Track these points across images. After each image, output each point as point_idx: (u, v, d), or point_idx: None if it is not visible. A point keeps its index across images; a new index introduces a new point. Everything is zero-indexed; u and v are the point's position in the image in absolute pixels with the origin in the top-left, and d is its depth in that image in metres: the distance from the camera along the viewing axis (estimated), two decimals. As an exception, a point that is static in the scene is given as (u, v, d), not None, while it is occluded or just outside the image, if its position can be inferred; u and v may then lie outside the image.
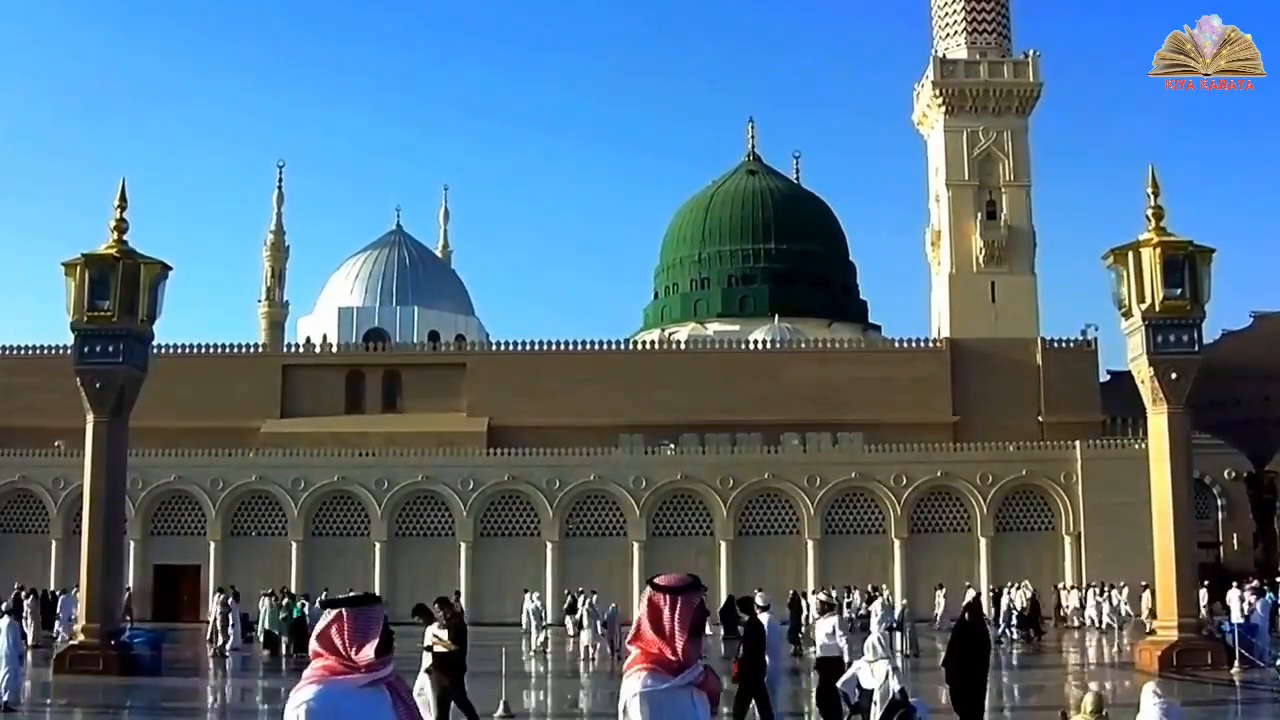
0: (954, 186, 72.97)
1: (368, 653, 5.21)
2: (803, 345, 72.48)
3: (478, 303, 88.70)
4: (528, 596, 48.29)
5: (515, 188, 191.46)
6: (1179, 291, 31.90)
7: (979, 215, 72.14)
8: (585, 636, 39.41)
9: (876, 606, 42.90)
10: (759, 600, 22.22)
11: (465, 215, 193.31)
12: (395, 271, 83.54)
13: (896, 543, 58.95)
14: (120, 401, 31.83)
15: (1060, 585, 55.83)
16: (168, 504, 59.80)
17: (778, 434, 63.20)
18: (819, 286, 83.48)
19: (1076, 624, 52.35)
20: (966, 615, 19.62)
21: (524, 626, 47.84)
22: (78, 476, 36.29)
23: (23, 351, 68.16)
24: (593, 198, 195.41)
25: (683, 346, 74.47)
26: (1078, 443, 59.85)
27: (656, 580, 5.56)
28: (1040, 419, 67.55)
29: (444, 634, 19.42)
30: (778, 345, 72.30)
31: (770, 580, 52.55)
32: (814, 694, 20.67)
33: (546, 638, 43.77)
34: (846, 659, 19.28)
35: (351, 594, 5.66)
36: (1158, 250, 31.90)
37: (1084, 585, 54.82)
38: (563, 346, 69.92)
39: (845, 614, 51.61)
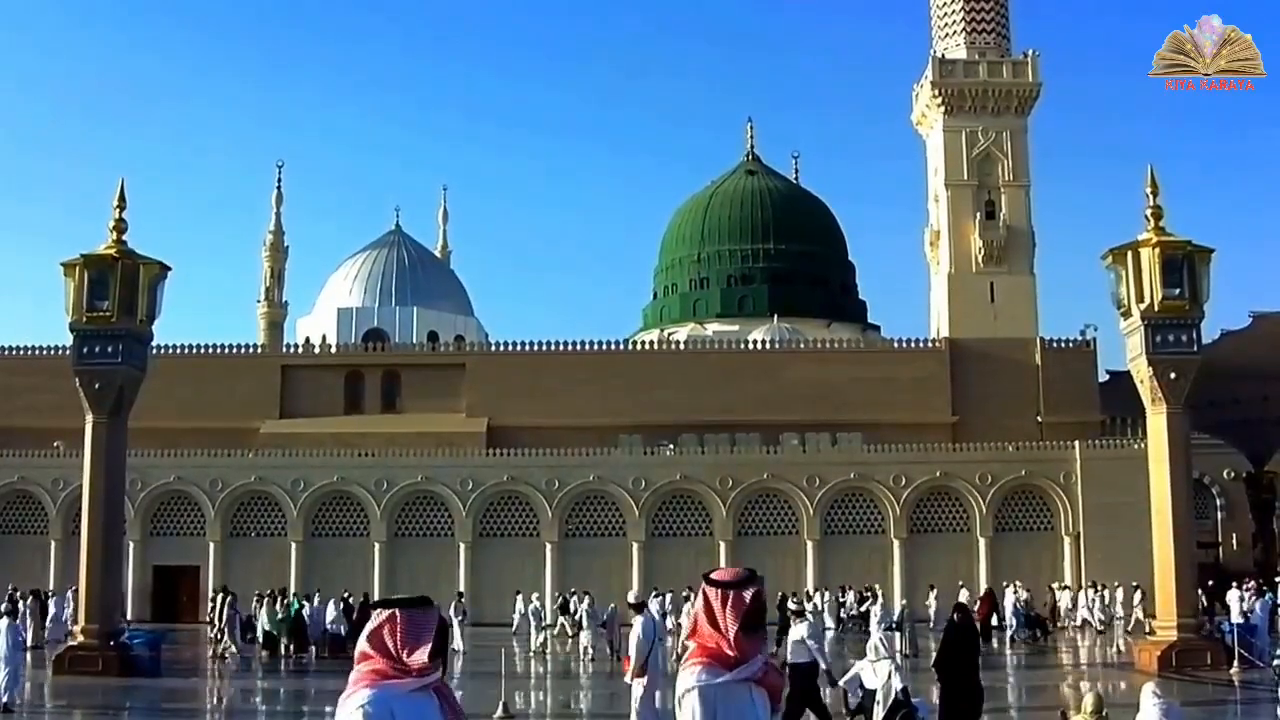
0: (953, 186, 72.97)
1: (420, 656, 5.12)
2: (802, 345, 72.49)
3: (477, 303, 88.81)
4: (519, 597, 48.37)
5: (514, 188, 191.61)
6: (1178, 291, 31.91)
7: (978, 215, 72.15)
8: (585, 637, 39.43)
9: (876, 608, 42.98)
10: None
11: (464, 215, 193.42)
12: (394, 272, 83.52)
13: (896, 543, 58.95)
14: (119, 402, 31.83)
15: (1053, 585, 55.81)
16: (167, 504, 59.79)
17: (777, 434, 63.22)
18: (818, 286, 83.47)
19: (1067, 624, 52.34)
20: (956, 616, 19.64)
21: (514, 627, 47.95)
22: (77, 477, 36.27)
23: (22, 352, 68.14)
24: (592, 198, 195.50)
25: (682, 347, 74.44)
26: (1077, 443, 59.85)
27: (711, 574, 5.52)
28: (1039, 419, 67.55)
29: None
30: (777, 345, 72.30)
31: (770, 581, 52.46)
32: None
33: (546, 638, 43.79)
34: (823, 665, 19.21)
35: (402, 595, 5.59)
36: (1157, 250, 31.91)
37: (1076, 586, 54.83)
38: (562, 347, 69.92)
39: (840, 614, 52.02)
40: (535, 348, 70.08)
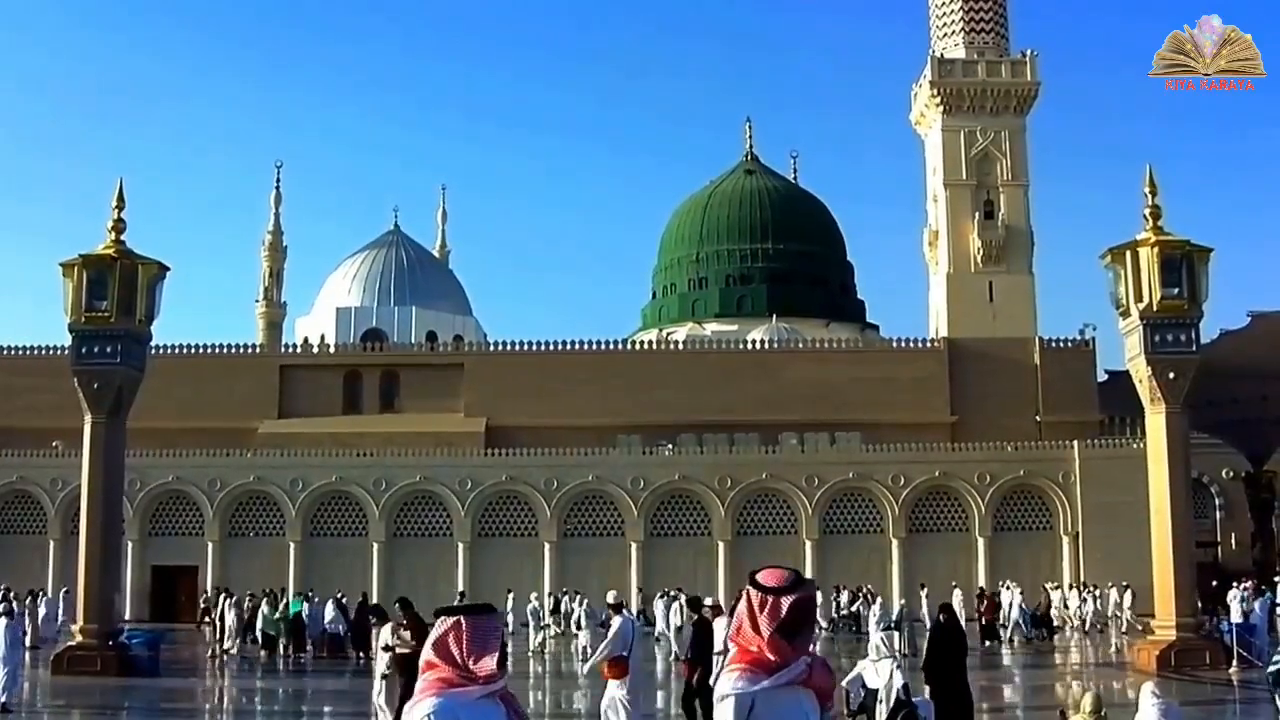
0: (952, 186, 73.01)
1: (488, 663, 5.03)
2: (800, 345, 72.48)
3: (475, 303, 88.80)
4: (510, 596, 48.45)
5: (513, 188, 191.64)
6: (1176, 291, 31.89)
7: (977, 215, 72.19)
8: (583, 637, 39.39)
9: (875, 608, 42.92)
10: (709, 601, 22.17)
11: (463, 215, 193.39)
12: (393, 272, 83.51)
13: (894, 542, 58.97)
14: (118, 402, 31.81)
15: (1045, 585, 55.74)
16: (165, 504, 59.78)
17: (776, 434, 63.26)
18: (817, 286, 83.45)
19: (1059, 624, 52.24)
20: (942, 617, 19.65)
21: (508, 626, 47.89)
22: (75, 477, 36.25)
23: (20, 352, 68.13)
24: (590, 198, 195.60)
25: (680, 347, 74.44)
26: (1076, 442, 59.88)
27: (756, 575, 5.30)
28: (1038, 419, 67.57)
29: (406, 634, 19.29)
30: (775, 345, 72.30)
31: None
32: None
33: (545, 638, 43.75)
34: None
35: (466, 602, 5.47)
36: (1155, 250, 31.90)
37: (1068, 586, 54.79)
38: (560, 347, 69.93)
39: (833, 614, 51.97)
40: (534, 348, 70.07)
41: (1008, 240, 71.99)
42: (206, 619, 52.25)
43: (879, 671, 18.28)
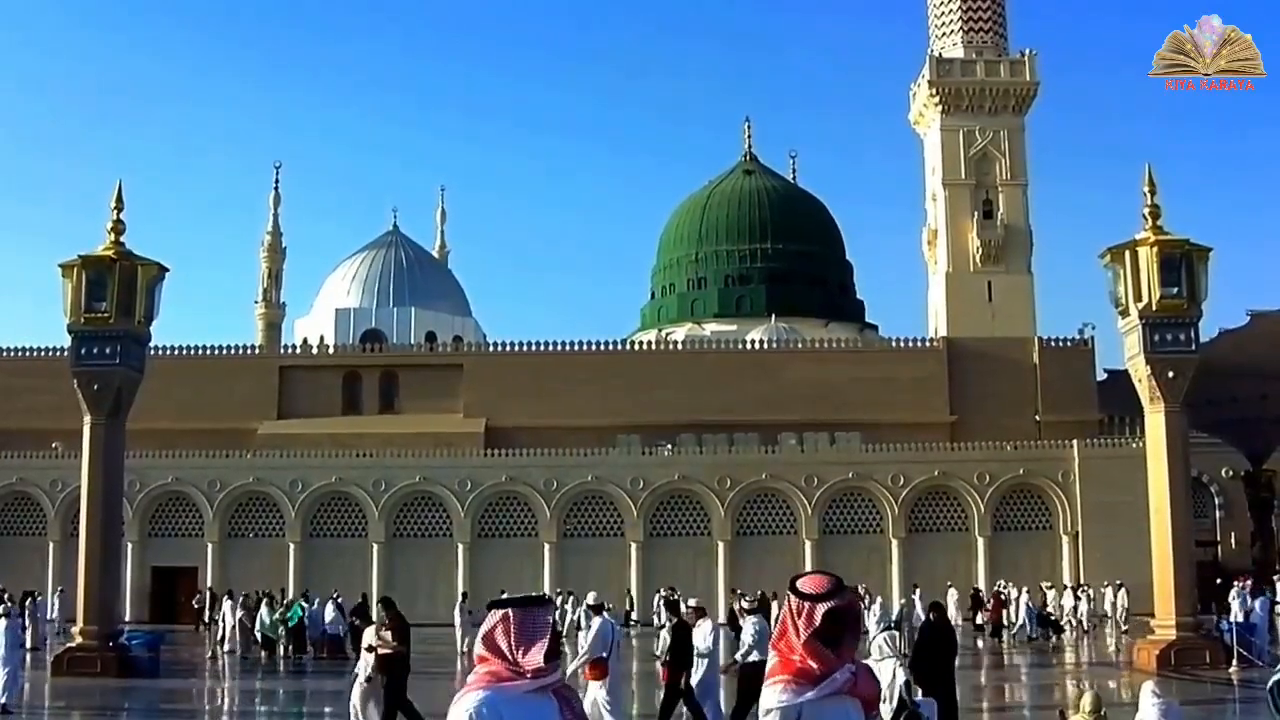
0: (950, 186, 73.06)
1: (535, 657, 4.91)
2: (800, 345, 72.48)
3: (475, 303, 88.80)
4: (503, 597, 48.36)
5: (512, 188, 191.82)
6: (1176, 290, 31.88)
7: (976, 214, 72.24)
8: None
9: (875, 608, 42.95)
10: (692, 603, 22.15)
11: (462, 216, 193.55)
12: (392, 272, 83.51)
13: (894, 542, 58.95)
14: (117, 403, 31.79)
15: (1041, 585, 55.73)
16: (165, 505, 59.77)
17: (775, 434, 63.28)
18: (816, 286, 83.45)
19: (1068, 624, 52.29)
20: (931, 616, 19.64)
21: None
22: (75, 478, 36.23)
23: (20, 353, 68.17)
24: (589, 198, 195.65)
25: (680, 347, 74.46)
26: (1075, 442, 59.88)
27: (797, 581, 5.27)
28: (1038, 418, 67.60)
29: (387, 635, 19.23)
30: (775, 345, 72.30)
31: (768, 581, 52.46)
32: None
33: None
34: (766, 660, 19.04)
35: (520, 595, 5.30)
36: (1154, 249, 31.89)
37: (1061, 586, 54.78)
38: (560, 347, 69.93)
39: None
40: (533, 348, 70.08)
41: (1007, 240, 72.05)
42: (200, 622, 52.37)
43: (882, 671, 18.25)
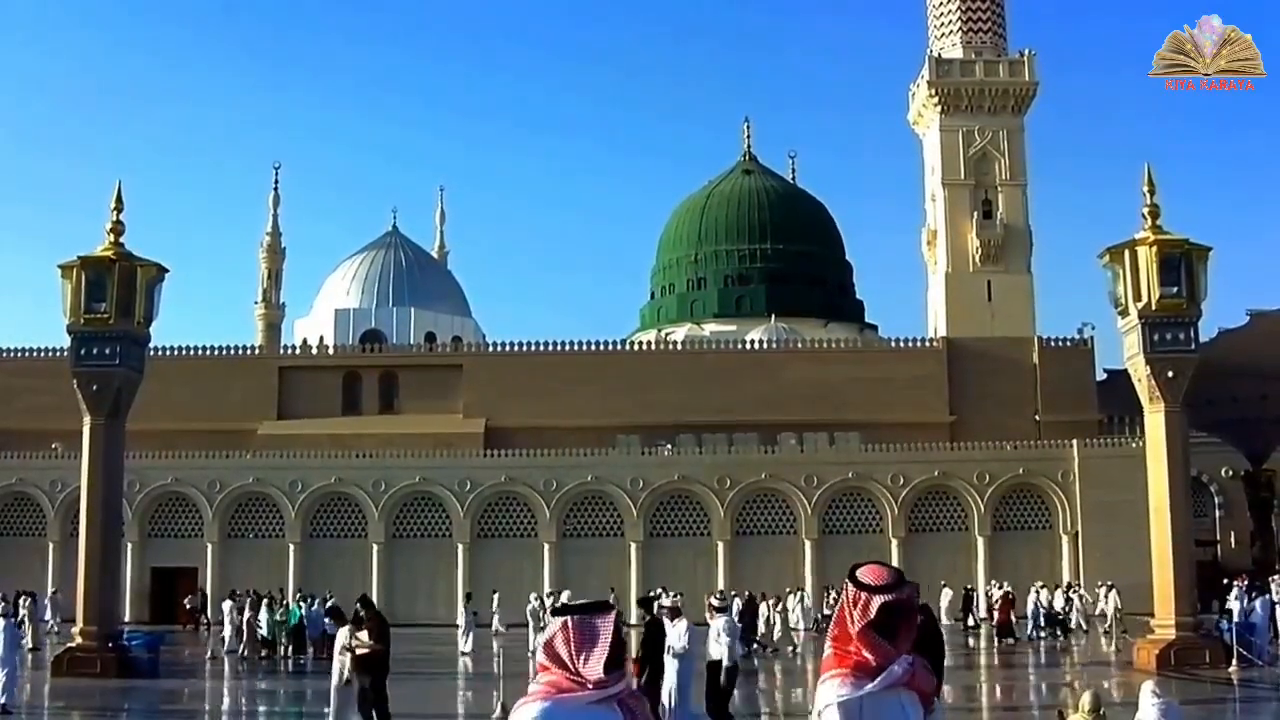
0: (950, 185, 73.09)
1: (595, 666, 4.68)
2: (799, 345, 72.46)
3: (474, 304, 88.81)
4: (495, 597, 48.52)
5: (511, 188, 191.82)
6: (1175, 290, 31.90)
7: (975, 214, 72.27)
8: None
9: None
10: (666, 602, 22.15)
11: (461, 216, 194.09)
12: (391, 273, 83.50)
13: (894, 542, 58.87)
14: (117, 404, 31.80)
15: (1034, 585, 55.59)
16: (165, 506, 59.74)
17: (775, 434, 63.28)
18: (815, 286, 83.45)
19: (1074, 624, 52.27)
20: (920, 618, 19.55)
21: (491, 627, 47.92)
22: (75, 479, 36.22)
23: (19, 354, 68.15)
24: (589, 198, 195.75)
25: (679, 347, 74.45)
26: (1075, 441, 59.84)
27: (857, 570, 5.11)
28: (1037, 418, 67.59)
29: (364, 635, 19.15)
30: (774, 345, 72.28)
31: (767, 581, 52.58)
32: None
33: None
34: (727, 662, 19.07)
35: (583, 600, 5.05)
36: (1154, 249, 31.90)
37: (1053, 586, 54.74)
38: (559, 347, 69.91)
39: (817, 615, 52.04)
40: (533, 348, 70.06)
41: (1006, 240, 72.09)
42: (192, 623, 52.39)
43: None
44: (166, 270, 33.05)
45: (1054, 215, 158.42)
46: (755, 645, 39.73)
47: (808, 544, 58.96)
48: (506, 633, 45.53)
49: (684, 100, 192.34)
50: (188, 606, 53.45)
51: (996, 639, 44.32)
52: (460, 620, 44.40)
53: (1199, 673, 29.32)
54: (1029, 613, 46.76)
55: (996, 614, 46.36)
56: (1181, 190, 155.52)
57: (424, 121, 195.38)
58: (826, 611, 52.80)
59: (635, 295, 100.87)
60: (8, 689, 23.45)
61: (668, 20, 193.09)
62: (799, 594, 52.35)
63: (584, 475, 59.43)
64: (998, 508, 59.64)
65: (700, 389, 66.54)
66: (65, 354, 33.90)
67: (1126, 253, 32.31)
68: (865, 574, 5.04)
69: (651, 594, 29.73)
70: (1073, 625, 48.80)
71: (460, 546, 58.78)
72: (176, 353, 66.35)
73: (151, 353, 35.93)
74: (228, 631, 41.01)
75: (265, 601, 40.96)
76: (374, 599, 50.98)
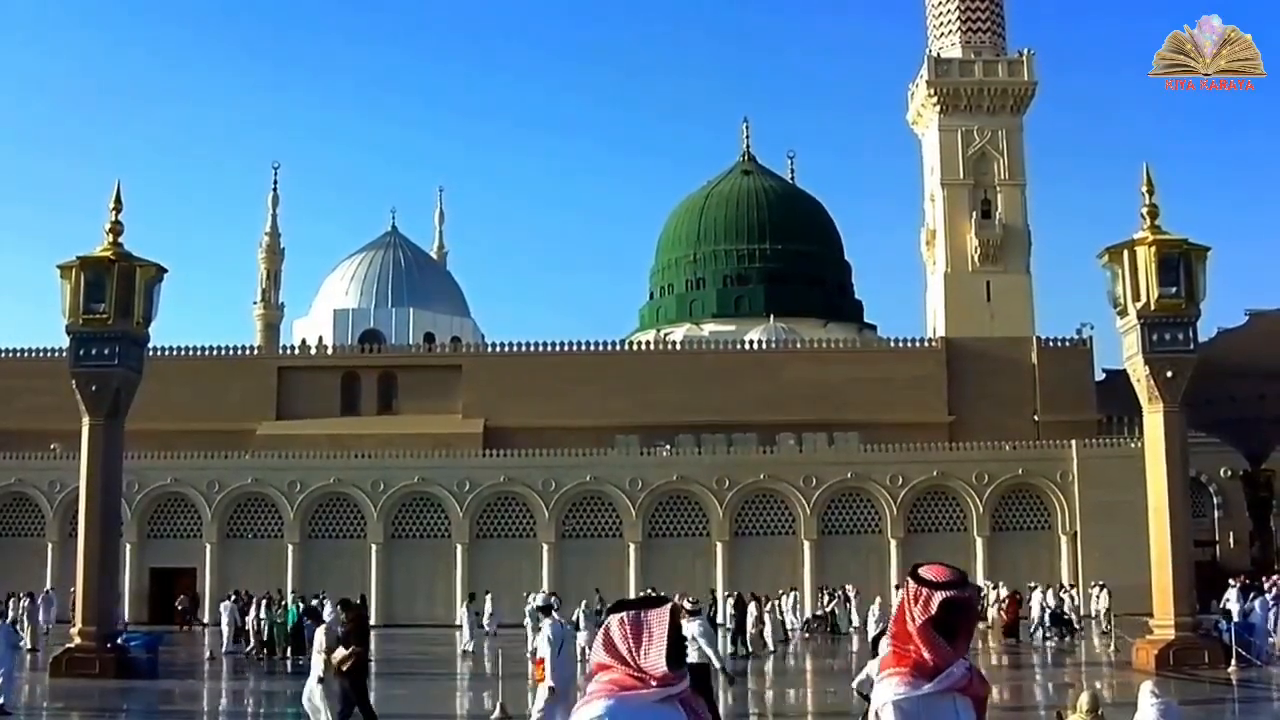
0: (949, 185, 73.06)
1: (657, 661, 4.53)
2: (798, 345, 72.44)
3: (473, 304, 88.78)
4: (488, 597, 48.54)
5: (510, 189, 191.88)
6: (1174, 290, 31.90)
7: (974, 214, 72.25)
8: (582, 638, 39.34)
9: (875, 608, 43.00)
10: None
11: (460, 216, 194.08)
12: (390, 273, 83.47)
13: (893, 543, 58.86)
14: (116, 404, 31.79)
15: (1033, 586, 55.50)
16: (164, 506, 59.71)
17: (773, 434, 63.27)
18: (814, 286, 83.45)
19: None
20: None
21: (484, 627, 47.85)
22: (74, 479, 36.19)
23: (18, 354, 68.11)
24: (588, 198, 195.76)
25: (678, 347, 74.45)
26: (1074, 442, 59.83)
27: (918, 568, 5.02)
28: (1036, 418, 67.60)
29: (342, 651, 18.86)
30: (773, 345, 72.28)
31: (766, 581, 52.56)
32: None
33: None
34: (715, 664, 19.07)
35: (638, 596, 5.03)
36: (1153, 249, 31.91)
37: (1044, 587, 54.73)
38: (558, 347, 69.89)
39: (808, 616, 52.07)
40: (531, 348, 70.06)
41: (1005, 240, 72.07)
42: (183, 624, 52.37)
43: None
44: (165, 270, 33.05)
45: (1053, 215, 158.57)
46: (744, 646, 39.72)
47: (806, 544, 58.96)
48: (498, 635, 45.47)
49: (683, 100, 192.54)
50: (179, 608, 53.47)
51: (1004, 638, 44.31)
52: (463, 621, 44.41)
53: (1198, 673, 29.32)
54: (1034, 614, 46.70)
55: (1004, 614, 46.33)
56: (1181, 190, 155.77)
57: (423, 121, 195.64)
58: (819, 612, 52.89)
59: (634, 295, 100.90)
60: (4, 689, 23.42)
61: (667, 20, 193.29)
62: (791, 594, 52.35)
63: (583, 475, 59.42)
64: (997, 508, 59.63)
65: (699, 389, 66.54)
66: (64, 354, 33.88)
67: (1125, 253, 32.31)
68: (927, 571, 4.96)
69: (641, 596, 29.68)
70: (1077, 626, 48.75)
71: (459, 547, 58.77)
72: (175, 353, 66.29)
73: (150, 353, 35.94)
74: (225, 631, 41.00)
75: (263, 602, 40.94)
76: (372, 599, 51.25)
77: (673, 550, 58.71)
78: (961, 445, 61.69)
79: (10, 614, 41.96)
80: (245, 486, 59.59)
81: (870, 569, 57.28)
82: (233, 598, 44.03)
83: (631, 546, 58.81)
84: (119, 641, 31.56)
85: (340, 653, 18.70)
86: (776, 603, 46.95)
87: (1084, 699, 12.98)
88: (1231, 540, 67.67)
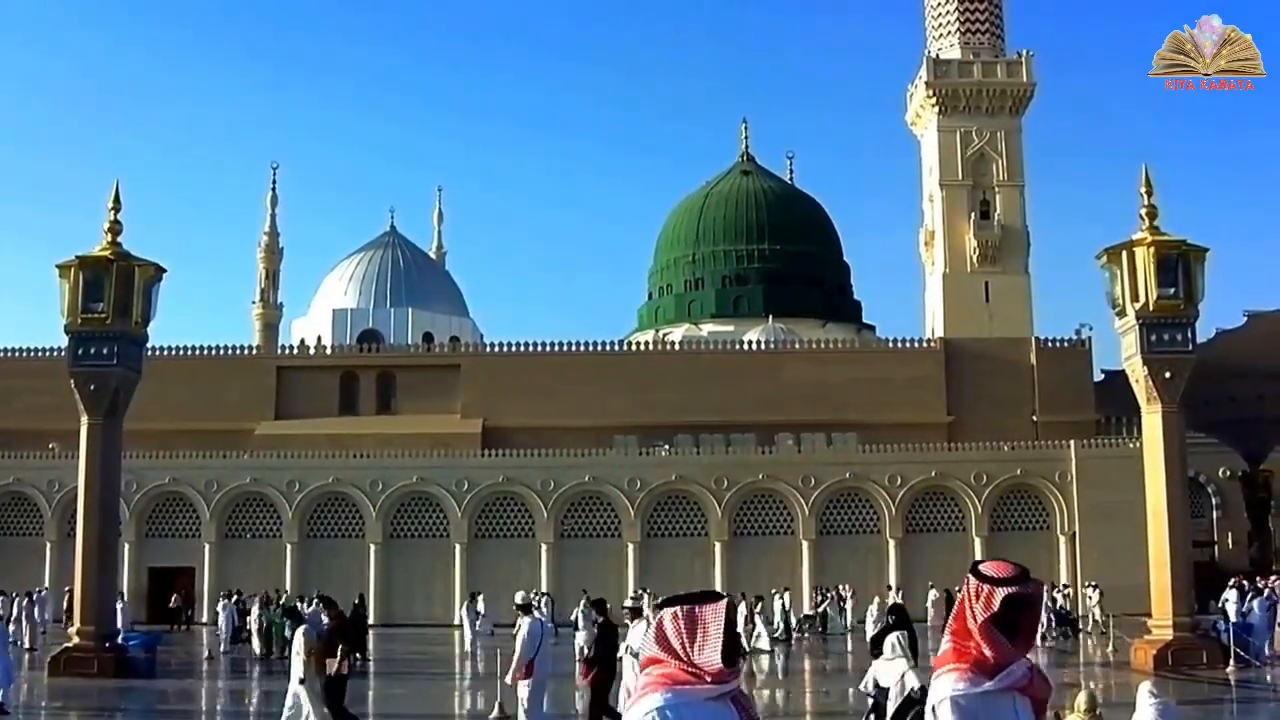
0: (947, 186, 73.08)
1: (712, 656, 4.43)
2: (797, 346, 72.44)
3: (472, 304, 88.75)
4: (481, 599, 48.42)
5: (509, 188, 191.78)
6: (1173, 290, 31.92)
7: (973, 215, 72.27)
8: (580, 638, 39.35)
9: (874, 608, 42.94)
10: (627, 603, 22.15)
11: (459, 216, 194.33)
12: (389, 273, 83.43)
13: (891, 543, 58.88)
14: (114, 403, 31.77)
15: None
16: (162, 506, 59.69)
17: (772, 434, 63.26)
18: (813, 287, 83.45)
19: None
20: (891, 619, 19.53)
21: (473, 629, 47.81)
22: (72, 479, 36.19)
23: (17, 354, 68.07)
24: (587, 198, 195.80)
25: (677, 347, 74.45)
26: (1072, 442, 59.81)
27: (979, 565, 4.94)
28: (1035, 418, 67.60)
29: (331, 664, 18.66)
30: (772, 346, 72.27)
31: (764, 581, 52.56)
32: None
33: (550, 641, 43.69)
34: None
35: (692, 591, 4.96)
36: (1151, 249, 31.93)
37: (1049, 586, 54.71)
38: (557, 347, 69.89)
39: (799, 616, 51.97)
40: (530, 348, 70.06)
41: (1004, 240, 72.10)
42: (176, 622, 52.39)
43: (891, 670, 18.26)
44: (164, 270, 33.03)
45: (1052, 216, 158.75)
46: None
47: (805, 544, 58.95)
48: (494, 634, 45.42)
49: (682, 100, 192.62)
50: (172, 607, 53.50)
51: None
52: (464, 620, 44.41)
53: (1196, 673, 29.33)
54: (1042, 613, 46.55)
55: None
56: (1180, 190, 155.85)
57: (422, 121, 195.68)
58: (809, 612, 52.89)
59: (633, 295, 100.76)
60: (2, 687, 23.40)
61: (666, 20, 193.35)
62: (783, 594, 52.29)
63: (581, 475, 59.41)
64: (995, 508, 59.63)
65: (698, 389, 66.53)
66: (63, 354, 33.85)
67: (1124, 253, 32.33)
68: (989, 567, 4.89)
69: (634, 595, 29.72)
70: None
71: (458, 546, 58.76)
72: (174, 353, 66.24)
73: (149, 353, 35.92)
74: (223, 631, 40.98)
75: (260, 601, 40.95)
76: (371, 599, 51.22)
77: (671, 550, 58.70)
78: (960, 446, 61.67)
79: (7, 612, 42.00)
80: (244, 486, 59.57)
81: (869, 569, 57.34)
82: (234, 597, 44.08)
83: (630, 546, 58.80)
84: (117, 641, 31.54)
85: (332, 664, 18.57)
86: (769, 602, 46.93)
87: (1082, 699, 12.97)
88: (1230, 541, 67.70)
